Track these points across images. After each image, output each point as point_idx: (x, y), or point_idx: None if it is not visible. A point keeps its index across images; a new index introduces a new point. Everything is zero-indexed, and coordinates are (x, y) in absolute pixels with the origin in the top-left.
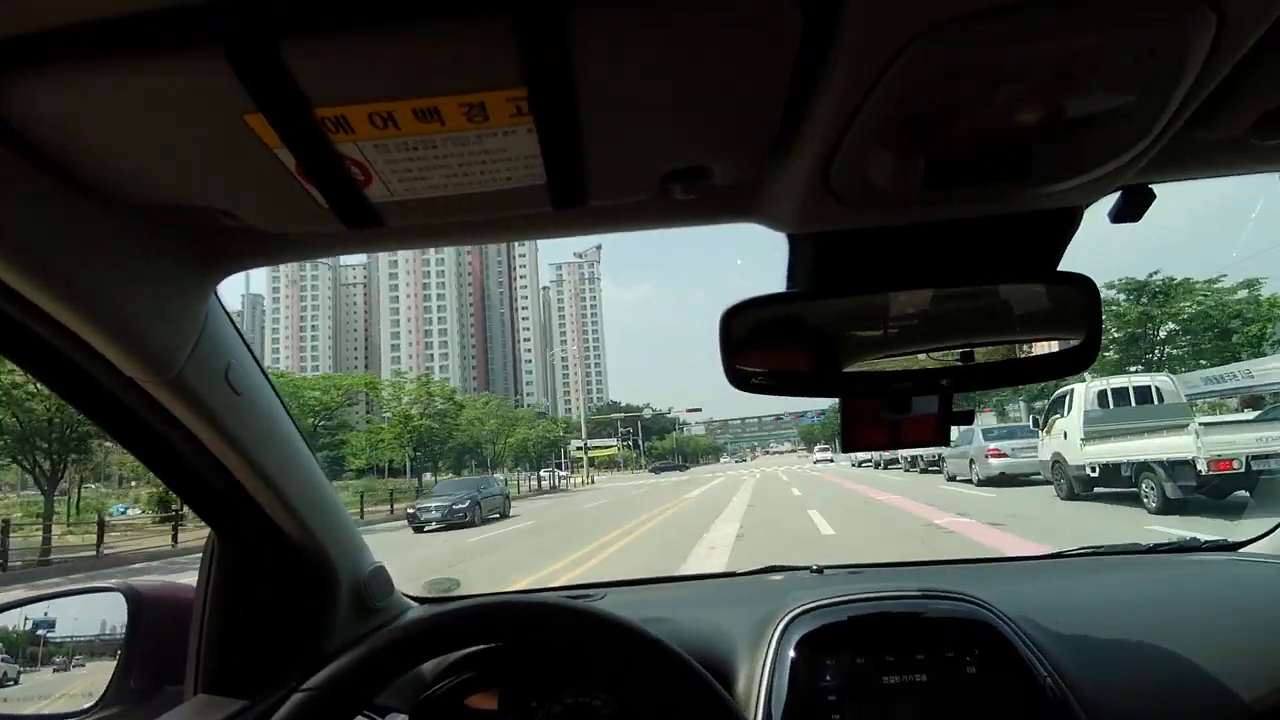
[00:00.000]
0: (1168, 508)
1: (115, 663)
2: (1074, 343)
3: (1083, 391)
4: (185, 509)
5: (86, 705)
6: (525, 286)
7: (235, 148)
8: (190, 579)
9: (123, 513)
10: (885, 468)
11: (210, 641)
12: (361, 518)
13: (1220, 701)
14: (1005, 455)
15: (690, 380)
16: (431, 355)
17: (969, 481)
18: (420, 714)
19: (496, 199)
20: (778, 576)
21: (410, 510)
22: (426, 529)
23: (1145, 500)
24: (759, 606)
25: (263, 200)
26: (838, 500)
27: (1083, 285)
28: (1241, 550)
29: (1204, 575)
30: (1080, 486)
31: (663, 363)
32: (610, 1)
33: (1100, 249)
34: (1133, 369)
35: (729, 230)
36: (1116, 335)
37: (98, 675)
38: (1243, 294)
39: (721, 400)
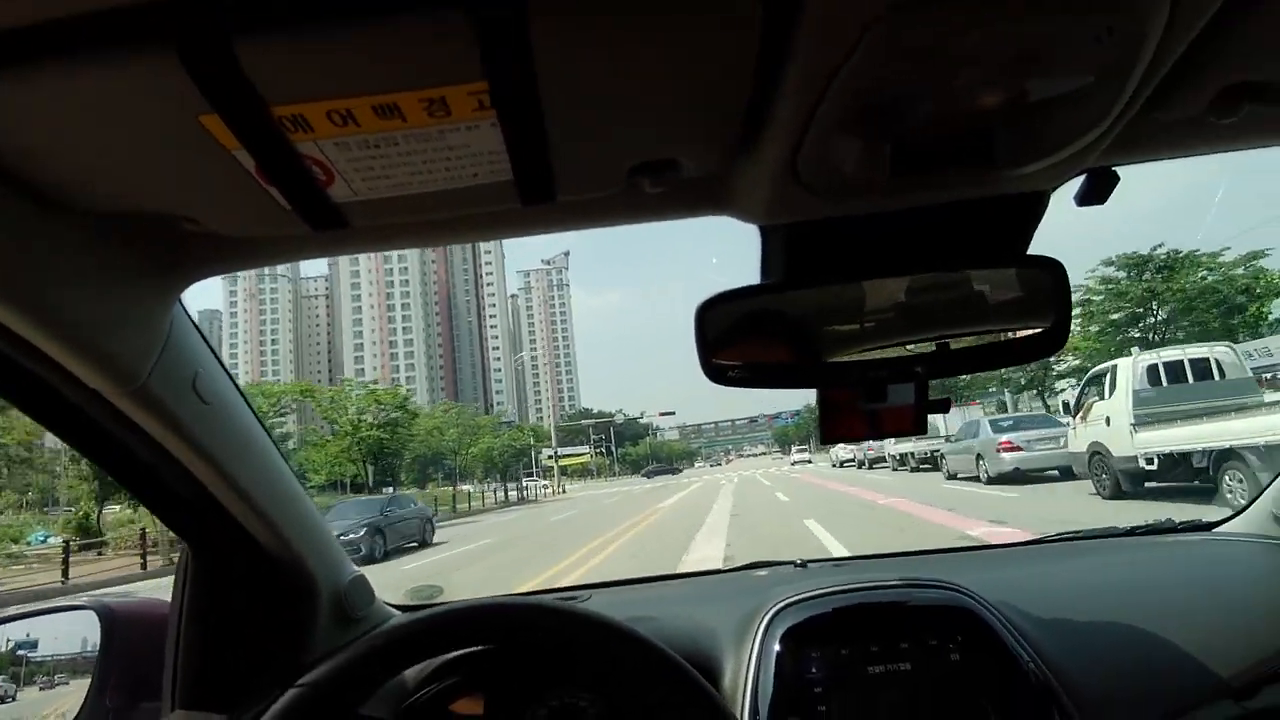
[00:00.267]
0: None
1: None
2: (1045, 326)
3: (1128, 368)
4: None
5: None
6: (493, 294)
7: (192, 150)
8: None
9: (42, 541)
10: (870, 467)
11: (187, 656)
12: None
13: (1199, 679)
14: (1020, 449)
15: (662, 384)
16: (398, 366)
17: (973, 479)
18: None
19: (463, 196)
20: (762, 572)
21: None
22: None
23: (1230, 496)
24: (744, 602)
25: (223, 204)
26: (832, 506)
27: (1051, 268)
28: (1216, 530)
29: (1180, 556)
30: (1129, 482)
31: (635, 368)
32: None
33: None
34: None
35: (699, 228)
36: (1116, 317)
37: (73, 695)
38: (1248, 267)
39: (695, 403)
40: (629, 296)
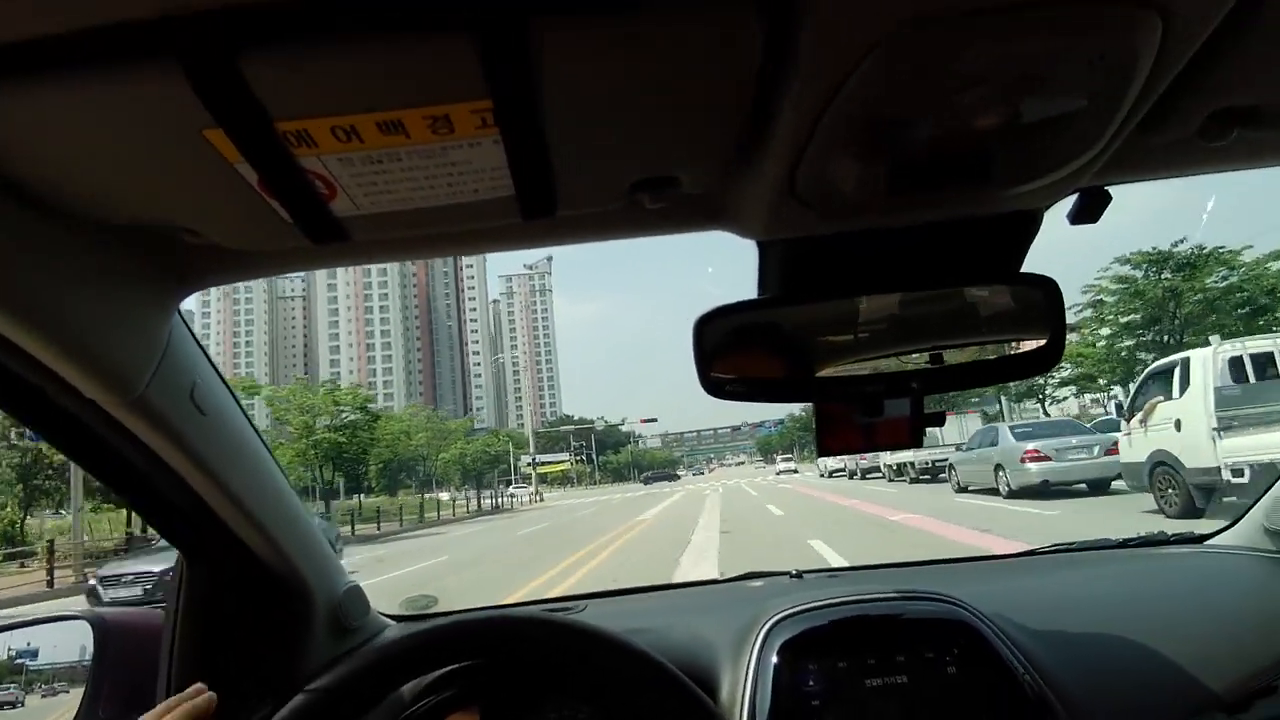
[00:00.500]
0: None
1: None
2: (1039, 343)
3: (1207, 360)
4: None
5: None
6: (474, 299)
7: (195, 163)
8: None
9: None
10: (864, 477)
11: (181, 666)
12: None
13: (1192, 692)
14: (1047, 458)
15: (645, 391)
16: (375, 370)
17: (991, 492)
18: None
19: (465, 211)
20: (758, 583)
21: (94, 580)
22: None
23: None
24: (740, 613)
25: (225, 216)
26: (836, 522)
27: (1046, 286)
28: (1208, 542)
29: (1173, 568)
30: (1203, 499)
31: (617, 374)
32: (573, 13)
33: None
34: (1150, 356)
35: (688, 237)
36: (1129, 319)
37: (73, 703)
38: (1276, 265)
39: (677, 410)
40: (612, 301)
